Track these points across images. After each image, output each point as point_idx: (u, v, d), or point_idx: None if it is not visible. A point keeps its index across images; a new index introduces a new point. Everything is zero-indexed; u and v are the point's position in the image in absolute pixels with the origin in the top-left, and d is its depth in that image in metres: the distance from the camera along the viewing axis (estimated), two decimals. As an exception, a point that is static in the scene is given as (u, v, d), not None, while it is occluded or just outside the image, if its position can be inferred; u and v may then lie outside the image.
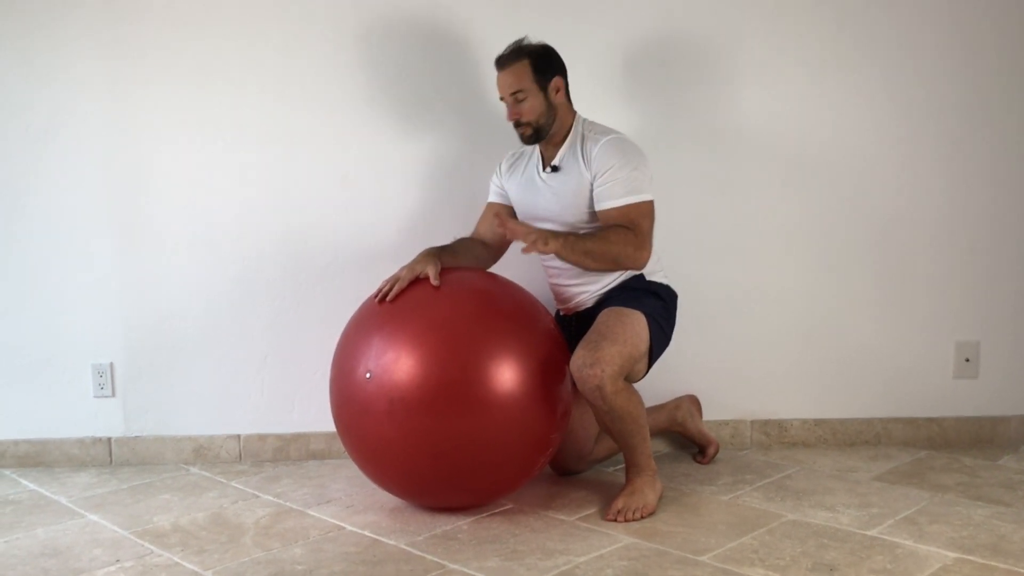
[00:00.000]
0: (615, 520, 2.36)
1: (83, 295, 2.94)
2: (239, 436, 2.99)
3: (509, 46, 2.50)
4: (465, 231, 2.71)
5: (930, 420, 3.02)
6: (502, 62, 2.50)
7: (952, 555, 2.09)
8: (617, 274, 2.53)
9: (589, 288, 2.55)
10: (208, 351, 2.95)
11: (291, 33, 2.87)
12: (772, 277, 2.98)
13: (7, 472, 2.93)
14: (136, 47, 2.87)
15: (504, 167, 2.69)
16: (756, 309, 2.99)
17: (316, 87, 2.89)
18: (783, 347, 3.00)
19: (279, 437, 2.98)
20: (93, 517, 2.49)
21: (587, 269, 2.49)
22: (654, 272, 2.56)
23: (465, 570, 2.06)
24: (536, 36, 2.55)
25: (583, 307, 2.56)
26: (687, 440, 2.91)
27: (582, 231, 2.48)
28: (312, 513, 2.47)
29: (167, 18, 2.86)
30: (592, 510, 2.44)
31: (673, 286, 2.63)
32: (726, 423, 3.01)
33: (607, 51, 2.89)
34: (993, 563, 2.04)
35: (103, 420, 2.99)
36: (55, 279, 2.94)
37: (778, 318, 2.99)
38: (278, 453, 2.99)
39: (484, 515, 2.42)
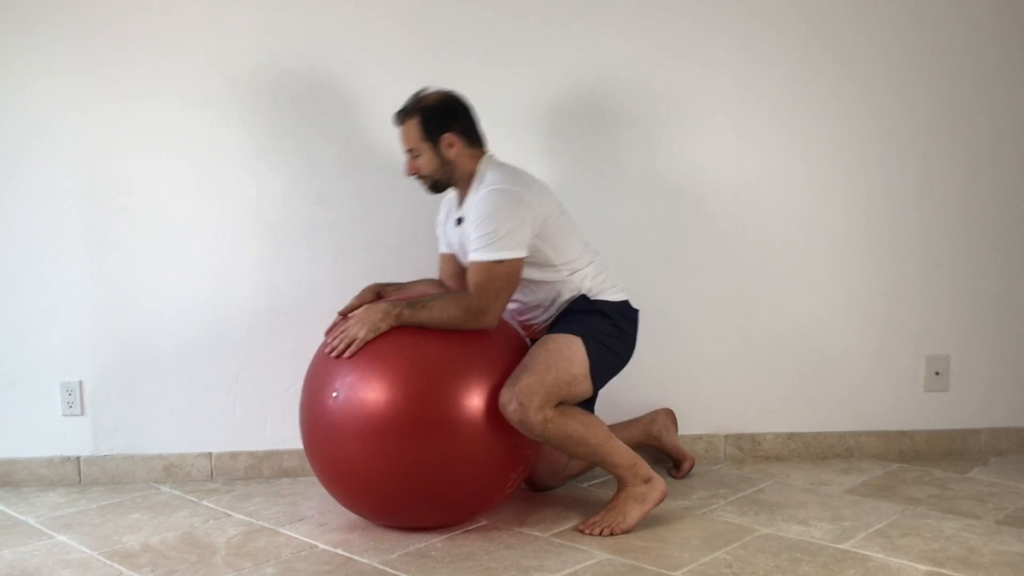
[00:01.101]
0: (586, 532, 2.36)
1: (52, 312, 2.90)
2: (211, 454, 2.96)
3: (407, 100, 2.50)
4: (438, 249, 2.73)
5: (901, 433, 3.05)
6: (396, 119, 2.51)
7: (924, 568, 2.11)
8: (561, 300, 2.51)
9: (538, 318, 2.55)
10: (179, 368, 2.92)
11: (263, 47, 2.86)
12: (744, 291, 3.00)
13: (-27, 492, 2.89)
14: (105, 62, 2.85)
15: (441, 214, 2.69)
16: (728, 323, 3.01)
17: (290, 103, 2.88)
18: (756, 361, 3.02)
19: (251, 455, 2.95)
20: (61, 538, 2.45)
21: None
22: (602, 291, 2.52)
23: (439, 588, 2.05)
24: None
25: (539, 334, 2.55)
26: (663, 454, 2.91)
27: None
28: (285, 531, 2.45)
29: (137, 32, 2.84)
30: (566, 526, 2.43)
31: (633, 300, 2.60)
32: (700, 437, 3.02)
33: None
34: (964, 575, 2.06)
35: (72, 439, 2.95)
36: (23, 296, 2.90)
37: (750, 332, 3.01)
38: (250, 471, 2.96)
39: (458, 532, 2.40)
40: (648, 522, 2.43)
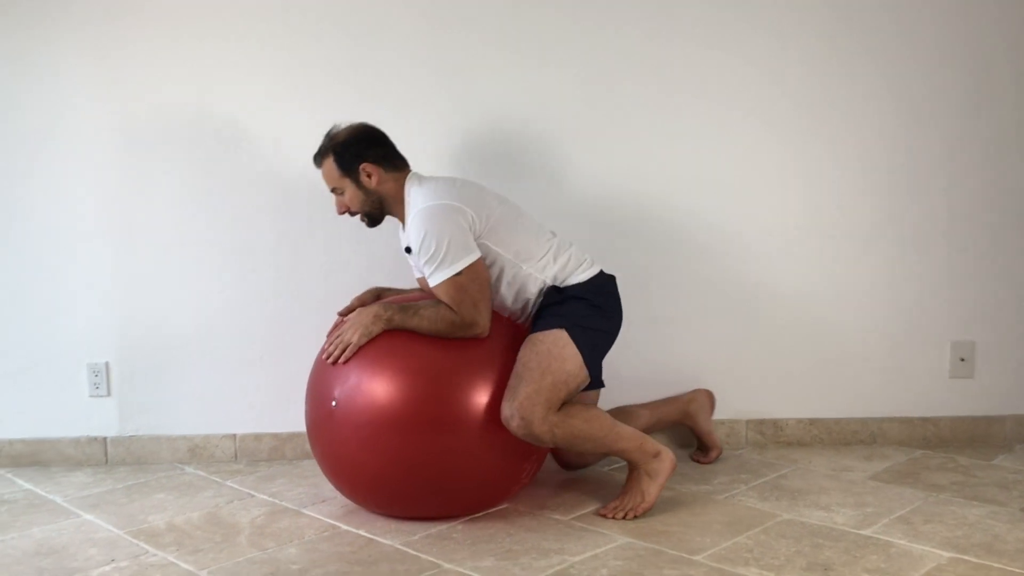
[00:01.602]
0: (608, 516, 2.37)
1: (79, 295, 2.94)
2: (235, 435, 2.98)
3: (321, 141, 2.49)
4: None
5: (925, 420, 3.03)
6: (314, 161, 2.51)
7: (947, 555, 2.10)
8: (528, 295, 2.46)
9: (519, 314, 2.52)
10: (204, 350, 2.95)
11: (292, 34, 2.87)
12: (767, 276, 2.98)
13: (2, 471, 2.93)
14: (131, 47, 2.87)
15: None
16: (751, 309, 2.99)
17: (314, 89, 2.89)
18: (778, 347, 3.00)
19: (275, 436, 2.98)
20: (88, 517, 2.49)
21: None
22: (569, 274, 2.47)
23: (460, 570, 2.06)
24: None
25: (527, 325, 2.52)
26: (694, 436, 2.91)
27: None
28: (307, 512, 2.47)
29: (163, 18, 2.86)
30: (587, 509, 2.44)
31: (606, 268, 2.57)
32: (721, 422, 3.02)
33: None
34: (987, 563, 2.05)
35: (98, 419, 2.99)
36: (51, 279, 2.94)
37: (773, 318, 3.00)
38: (273, 452, 2.99)
39: (479, 515, 2.42)
40: (669, 506, 2.43)
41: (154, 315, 2.95)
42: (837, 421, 3.03)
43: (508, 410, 2.26)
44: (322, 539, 2.27)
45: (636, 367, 2.94)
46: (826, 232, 2.98)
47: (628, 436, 2.40)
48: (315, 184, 2.90)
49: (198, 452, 2.99)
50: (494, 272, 2.42)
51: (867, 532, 2.24)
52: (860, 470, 2.76)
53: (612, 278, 2.56)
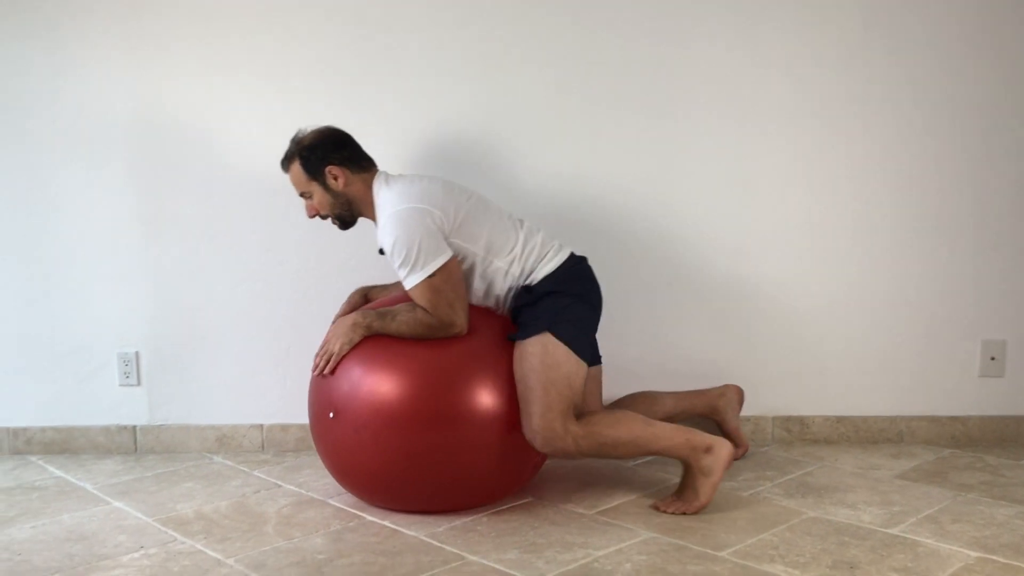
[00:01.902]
0: (660, 509, 2.38)
1: (110, 285, 2.98)
2: (262, 426, 3.01)
3: (288, 145, 2.51)
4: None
5: (954, 419, 3.00)
6: (282, 167, 2.53)
7: (974, 554, 2.08)
8: (498, 292, 2.46)
9: (493, 309, 2.51)
10: (232, 341, 2.98)
11: (316, 26, 2.89)
12: (794, 273, 2.97)
13: (34, 459, 2.97)
14: (161, 39, 2.90)
15: None
16: (778, 305, 2.98)
17: (339, 80, 2.90)
18: (805, 344, 2.99)
19: (301, 427, 3.00)
20: (118, 504, 2.52)
21: None
22: (536, 267, 2.45)
23: (484, 562, 2.07)
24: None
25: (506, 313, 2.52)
26: (721, 432, 2.86)
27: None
28: (333, 503, 2.49)
29: (193, 9, 2.89)
30: (612, 504, 2.44)
31: (577, 250, 2.56)
32: (748, 419, 3.00)
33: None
34: (1016, 563, 2.03)
35: (128, 408, 3.03)
36: (82, 270, 2.97)
37: (801, 315, 2.98)
38: (300, 443, 3.01)
39: (503, 507, 2.42)
40: (694, 502, 2.43)
41: (184, 306, 2.98)
42: (864, 419, 3.01)
43: (529, 433, 2.29)
44: (347, 529, 2.28)
45: (665, 363, 2.94)
46: (855, 229, 2.95)
47: (668, 434, 2.37)
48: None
49: (226, 442, 3.02)
50: (465, 268, 2.42)
51: (894, 531, 2.23)
52: (887, 468, 2.74)
53: (582, 259, 2.54)
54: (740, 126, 2.92)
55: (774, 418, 3.02)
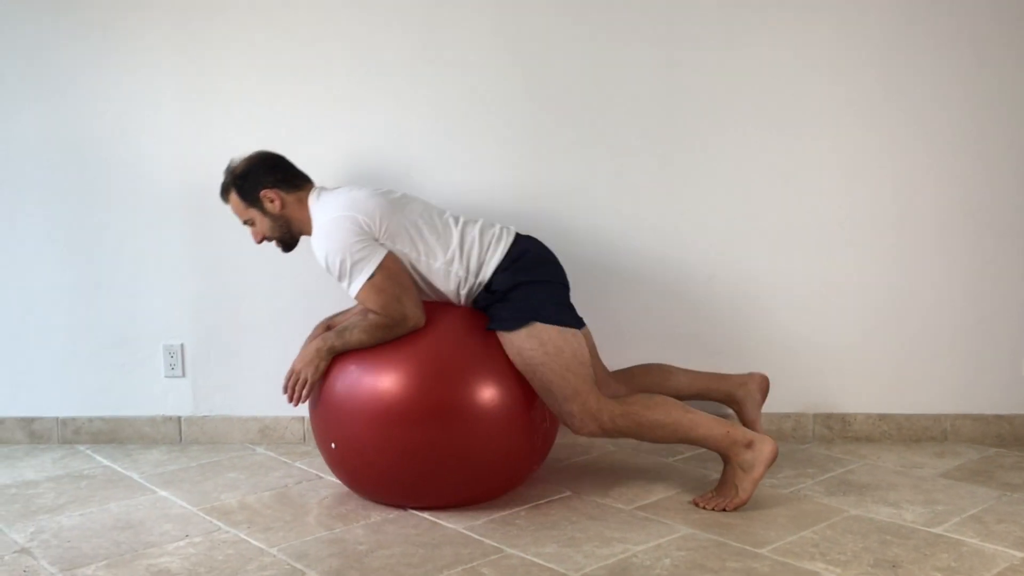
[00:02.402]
0: (699, 505, 2.36)
1: (157, 278, 3.03)
2: (303, 418, 3.05)
3: (223, 176, 2.55)
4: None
5: (1000, 417, 2.95)
6: (221, 199, 2.57)
7: (1020, 555, 2.05)
8: (452, 290, 2.43)
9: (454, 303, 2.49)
10: (274, 334, 3.01)
11: (362, 29, 2.91)
12: (837, 268, 2.94)
13: (82, 448, 3.04)
14: (209, 41, 2.95)
15: None
16: (820, 301, 2.95)
17: (382, 81, 2.93)
18: (848, 340, 2.96)
19: (342, 420, 3.03)
20: (163, 493, 2.57)
21: None
22: (485, 262, 2.41)
23: (523, 555, 2.08)
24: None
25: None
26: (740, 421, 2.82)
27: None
28: (373, 495, 2.52)
29: (240, 12, 2.92)
30: (650, 499, 2.44)
31: (518, 228, 2.55)
32: (788, 416, 2.98)
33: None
34: (1063, 565, 2.00)
35: (173, 399, 3.08)
36: (129, 262, 3.03)
37: (843, 310, 2.95)
38: (341, 435, 3.04)
39: (542, 502, 2.43)
40: (733, 498, 2.42)
41: (228, 299, 3.02)
42: (908, 417, 2.97)
43: (567, 419, 2.35)
44: (387, 521, 2.31)
45: (704, 356, 2.92)
46: (898, 225, 2.92)
47: (708, 424, 2.35)
48: (384, 172, 2.95)
49: (268, 433, 3.06)
50: (411, 272, 2.41)
51: (937, 530, 2.20)
52: (931, 467, 2.71)
53: (528, 239, 2.50)
54: (779, 122, 2.89)
55: (815, 415, 2.99)
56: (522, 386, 2.34)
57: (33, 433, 3.10)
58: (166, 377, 3.07)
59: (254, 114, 2.96)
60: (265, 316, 3.02)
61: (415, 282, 2.41)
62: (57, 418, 3.10)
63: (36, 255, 3.05)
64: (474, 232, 2.45)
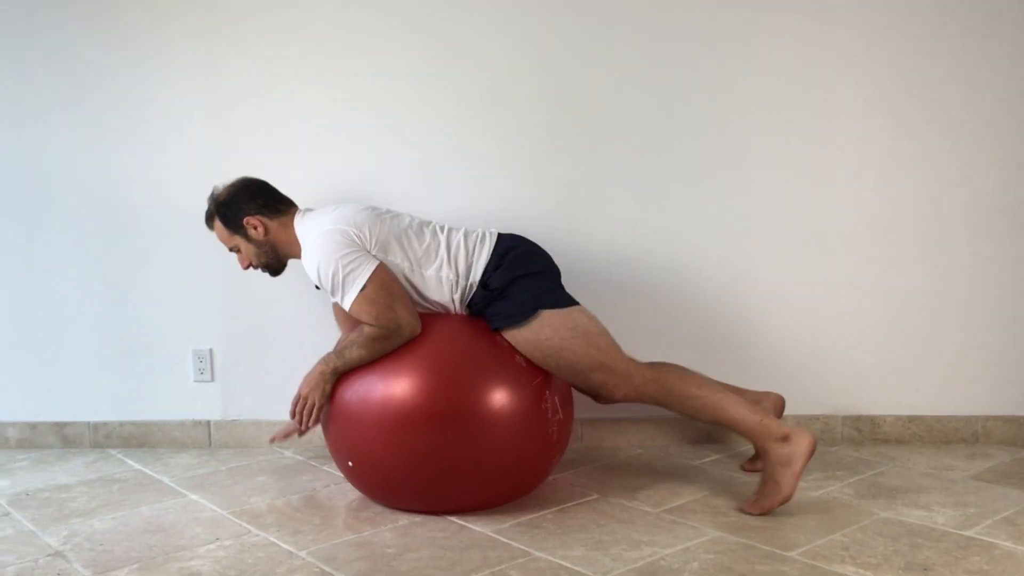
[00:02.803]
0: (746, 511, 2.33)
1: (185, 284, 3.06)
2: (331, 422, 3.06)
3: (207, 204, 2.60)
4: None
5: (1032, 419, 2.93)
6: (207, 227, 2.63)
7: (1054, 558, 2.03)
8: (446, 296, 2.44)
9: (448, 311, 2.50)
10: (303, 339, 3.03)
11: (383, 43, 2.93)
12: (865, 270, 2.92)
13: (113, 452, 3.07)
14: (234, 52, 2.98)
15: None
16: (848, 303, 2.93)
17: (403, 92, 2.95)
18: (877, 341, 2.94)
19: (369, 423, 3.04)
20: (194, 497, 2.59)
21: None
22: (473, 263, 2.43)
23: (551, 559, 2.08)
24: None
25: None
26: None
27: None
28: (401, 498, 2.53)
29: (268, 25, 2.96)
30: (678, 502, 2.43)
31: (502, 228, 2.57)
32: (816, 418, 2.96)
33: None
34: (1098, 568, 1.97)
35: (203, 404, 3.11)
36: (159, 268, 3.06)
37: (871, 312, 2.93)
38: (368, 439, 3.05)
39: (569, 505, 2.43)
40: (762, 501, 2.41)
41: (256, 303, 3.04)
42: (938, 418, 2.94)
43: (608, 395, 2.40)
44: (415, 524, 2.31)
45: (733, 361, 2.92)
46: (927, 225, 2.90)
47: (740, 408, 2.34)
48: (412, 177, 2.96)
49: (295, 437, 3.06)
50: (403, 282, 2.42)
51: (969, 533, 2.18)
52: (962, 469, 2.68)
53: (511, 236, 2.52)
54: (804, 125, 2.88)
55: (844, 417, 2.97)
56: (528, 381, 2.34)
57: (65, 437, 3.14)
58: (195, 382, 3.10)
59: (277, 122, 2.99)
60: (293, 320, 3.04)
61: (409, 292, 2.43)
62: (89, 423, 3.13)
63: (66, 261, 3.09)
64: (459, 236, 2.48)
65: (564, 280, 2.56)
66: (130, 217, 3.06)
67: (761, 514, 2.31)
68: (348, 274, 2.33)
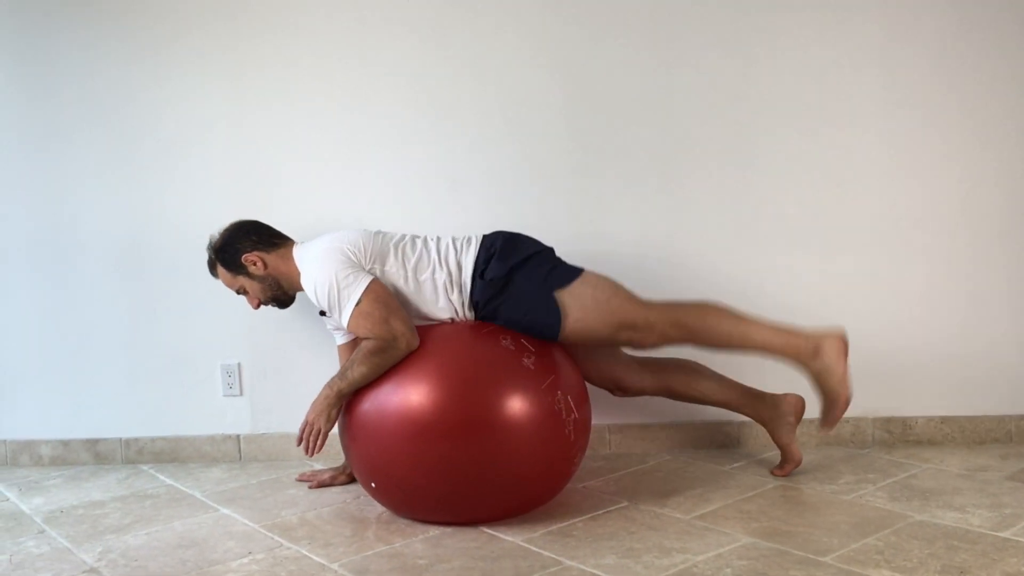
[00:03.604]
0: (824, 428, 2.46)
1: (212, 299, 3.08)
2: (359, 433, 3.07)
3: (207, 254, 2.66)
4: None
5: (1067, 417, 2.89)
6: (211, 274, 2.69)
7: (1094, 559, 2.00)
8: (442, 298, 2.47)
9: (455, 316, 2.51)
10: (329, 350, 3.03)
11: (404, 52, 2.96)
12: (893, 268, 2.89)
13: (145, 468, 3.10)
14: (257, 64, 3.01)
15: None
16: (877, 303, 2.91)
17: (424, 100, 2.97)
18: (907, 342, 2.91)
19: (397, 434, 3.05)
20: (225, 511, 2.61)
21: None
22: (459, 262, 2.47)
23: (582, 567, 2.07)
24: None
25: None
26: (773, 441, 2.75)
27: None
28: (431, 509, 2.53)
29: (288, 36, 2.99)
30: (708, 508, 2.42)
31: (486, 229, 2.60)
32: (846, 420, 2.94)
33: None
34: None
35: (232, 418, 3.13)
36: (186, 282, 3.09)
37: (902, 312, 2.91)
38: (397, 450, 3.06)
39: (600, 512, 2.43)
40: (793, 506, 2.39)
41: (282, 318, 3.05)
42: (971, 419, 2.91)
43: (637, 346, 2.45)
44: (445, 535, 2.32)
45: (757, 360, 2.90)
46: (956, 221, 2.87)
47: (765, 332, 2.40)
48: (430, 187, 2.97)
49: (325, 450, 3.06)
50: (402, 292, 2.46)
51: (1005, 534, 2.15)
52: (996, 470, 2.65)
53: (495, 233, 2.56)
54: (832, 122, 2.87)
55: (874, 419, 2.94)
56: (538, 383, 2.32)
57: (98, 454, 3.17)
58: (224, 396, 3.12)
59: (300, 132, 3.01)
60: (319, 333, 3.05)
61: (407, 304, 2.45)
62: (120, 439, 3.16)
63: (95, 279, 3.13)
64: (446, 240, 2.55)
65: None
66: (155, 232, 3.09)
67: (832, 428, 2.42)
68: (343, 289, 2.37)
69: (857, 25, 2.84)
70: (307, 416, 2.42)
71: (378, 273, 2.45)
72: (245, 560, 2.22)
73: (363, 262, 2.44)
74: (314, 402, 2.41)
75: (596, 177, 2.93)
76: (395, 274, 2.47)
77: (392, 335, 2.32)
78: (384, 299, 2.38)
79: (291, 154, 3.02)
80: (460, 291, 2.47)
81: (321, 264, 2.42)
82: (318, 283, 2.41)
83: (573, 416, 2.39)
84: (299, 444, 2.43)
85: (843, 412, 2.36)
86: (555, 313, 2.40)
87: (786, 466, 2.67)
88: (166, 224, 3.09)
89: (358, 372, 2.33)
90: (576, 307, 2.40)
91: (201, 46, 3.02)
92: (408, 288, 2.47)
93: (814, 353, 2.35)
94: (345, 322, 2.38)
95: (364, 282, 2.38)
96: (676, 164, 2.92)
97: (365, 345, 2.34)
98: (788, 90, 2.88)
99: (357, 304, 2.36)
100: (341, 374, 2.37)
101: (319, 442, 2.41)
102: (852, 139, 2.87)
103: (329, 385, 2.39)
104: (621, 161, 2.92)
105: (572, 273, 2.47)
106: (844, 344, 2.35)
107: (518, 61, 2.93)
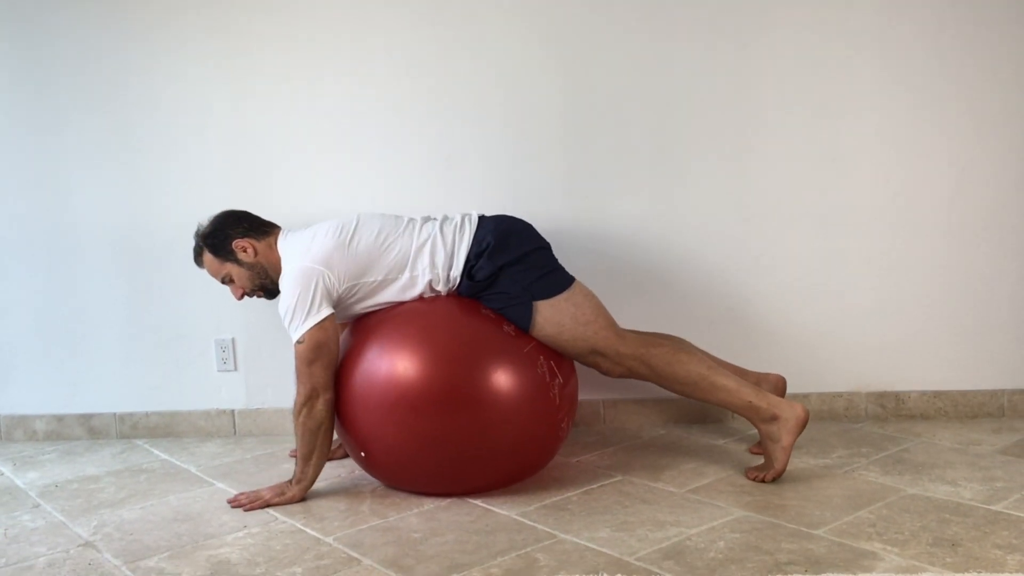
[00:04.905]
0: (749, 478, 2.43)
1: (205, 275, 3.05)
2: (354, 408, 3.07)
3: (194, 242, 2.60)
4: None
5: (1059, 392, 2.90)
6: (196, 263, 2.63)
7: (1084, 532, 2.01)
8: (429, 288, 2.45)
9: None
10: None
11: (400, 32, 2.93)
12: (888, 246, 2.90)
13: (140, 442, 3.10)
14: (253, 45, 2.99)
15: None
16: (870, 279, 2.91)
17: (421, 82, 2.95)
18: (900, 317, 2.92)
19: (392, 409, 3.05)
20: (220, 485, 2.61)
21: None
22: (455, 254, 2.44)
23: (576, 540, 2.08)
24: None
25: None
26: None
27: None
28: (426, 483, 2.54)
29: (283, 14, 2.96)
30: (702, 482, 2.43)
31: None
32: (840, 395, 2.95)
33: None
34: None
35: (227, 393, 3.13)
36: (181, 260, 3.05)
37: (895, 288, 2.91)
38: (391, 425, 3.06)
39: (594, 486, 2.44)
40: (786, 479, 2.40)
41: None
42: (963, 393, 2.92)
43: (603, 373, 2.47)
44: (440, 509, 2.32)
45: (755, 336, 2.91)
46: (950, 200, 2.87)
47: (729, 390, 2.39)
48: (430, 166, 2.96)
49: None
50: (383, 294, 2.44)
51: (997, 507, 2.16)
52: (988, 444, 2.66)
53: (492, 218, 2.52)
54: (825, 104, 2.86)
55: (868, 394, 2.96)
56: (519, 348, 2.35)
57: (92, 429, 3.17)
58: (219, 372, 3.12)
59: (296, 113, 2.99)
60: (313, 309, 3.05)
61: (393, 299, 2.45)
62: (115, 414, 3.16)
63: (90, 255, 3.11)
64: (434, 229, 2.48)
65: (580, 267, 2.57)
66: (151, 211, 3.07)
67: (754, 479, 2.41)
68: (294, 319, 2.35)
69: (854, 9, 2.82)
70: (265, 495, 2.41)
71: (360, 280, 2.42)
72: (240, 534, 2.22)
73: (333, 288, 2.39)
74: (282, 492, 2.42)
75: (592, 156, 2.92)
76: (372, 282, 2.43)
77: (311, 384, 2.34)
78: (322, 343, 2.34)
79: (287, 135, 2.99)
80: (447, 286, 2.46)
81: (294, 280, 2.38)
82: (281, 297, 2.40)
83: (558, 380, 2.39)
84: (234, 506, 2.42)
85: (767, 480, 2.36)
86: (526, 320, 2.39)
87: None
88: (161, 204, 3.07)
89: (301, 452, 2.39)
90: (552, 322, 2.39)
91: (195, 29, 2.98)
92: (386, 292, 2.45)
93: (770, 419, 2.36)
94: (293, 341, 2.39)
95: (315, 319, 2.34)
96: (673, 142, 2.90)
97: (296, 412, 2.37)
98: (782, 72, 2.86)
99: (298, 342, 2.35)
100: (300, 475, 2.42)
101: (254, 506, 2.40)
102: (848, 121, 2.86)
103: (299, 486, 2.41)
104: (618, 140, 2.91)
105: (559, 285, 2.43)
106: (801, 423, 2.34)
107: (515, 39, 2.91)
